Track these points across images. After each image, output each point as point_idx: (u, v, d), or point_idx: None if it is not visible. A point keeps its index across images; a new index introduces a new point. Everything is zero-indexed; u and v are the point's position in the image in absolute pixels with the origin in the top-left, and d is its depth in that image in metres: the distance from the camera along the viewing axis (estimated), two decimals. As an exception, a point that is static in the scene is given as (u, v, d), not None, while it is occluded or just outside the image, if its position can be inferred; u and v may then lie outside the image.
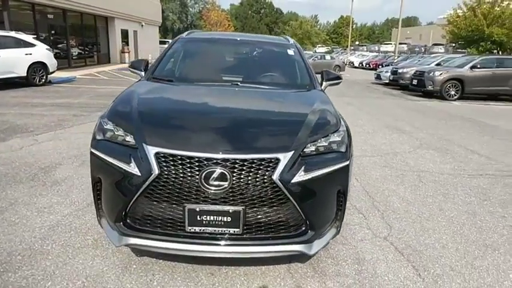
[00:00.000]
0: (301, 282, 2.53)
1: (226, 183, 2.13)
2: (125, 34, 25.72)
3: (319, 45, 63.94)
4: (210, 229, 2.23)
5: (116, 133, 2.41)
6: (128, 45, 25.76)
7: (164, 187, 2.17)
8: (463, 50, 26.16)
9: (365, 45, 59.08)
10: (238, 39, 4.32)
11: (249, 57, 4.09)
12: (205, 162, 2.14)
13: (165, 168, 2.16)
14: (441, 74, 13.89)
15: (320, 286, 2.50)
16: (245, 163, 2.17)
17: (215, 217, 2.19)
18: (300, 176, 2.23)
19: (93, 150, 2.46)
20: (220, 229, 2.23)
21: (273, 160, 2.20)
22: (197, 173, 2.13)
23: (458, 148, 6.40)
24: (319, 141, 2.41)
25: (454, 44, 28.83)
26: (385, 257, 2.89)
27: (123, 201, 2.27)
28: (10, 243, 2.82)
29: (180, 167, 2.15)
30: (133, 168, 2.20)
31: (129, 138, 2.34)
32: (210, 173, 2.12)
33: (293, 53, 4.01)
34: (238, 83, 3.34)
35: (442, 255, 2.96)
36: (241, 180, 2.16)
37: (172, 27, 71.67)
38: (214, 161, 2.14)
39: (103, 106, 8.35)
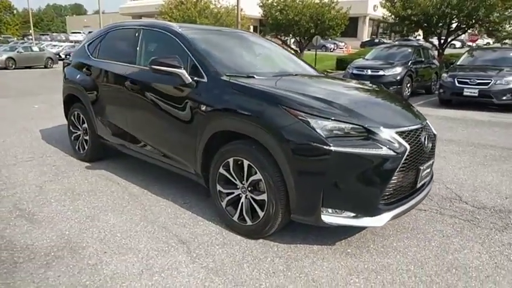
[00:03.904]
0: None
1: (430, 143, 2.97)
2: None
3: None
4: (422, 181, 2.97)
5: (332, 126, 2.55)
6: None
7: (411, 157, 2.71)
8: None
9: (47, 35, 55.73)
10: (227, 30, 5.06)
11: (255, 49, 4.31)
12: (416, 132, 2.84)
13: (408, 143, 2.68)
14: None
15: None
16: (426, 127, 3.06)
17: (426, 171, 2.96)
18: None
19: (336, 149, 2.46)
20: (424, 180, 3.00)
21: (427, 123, 3.16)
22: (420, 140, 2.84)
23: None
24: None
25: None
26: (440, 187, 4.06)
27: (384, 183, 2.57)
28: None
29: (413, 139, 2.76)
30: (386, 151, 2.54)
31: (349, 129, 2.57)
32: (425, 138, 2.90)
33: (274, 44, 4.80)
34: (292, 74, 3.79)
35: (466, 180, 4.29)
36: (430, 139, 3.02)
37: None
38: (420, 129, 2.91)
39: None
